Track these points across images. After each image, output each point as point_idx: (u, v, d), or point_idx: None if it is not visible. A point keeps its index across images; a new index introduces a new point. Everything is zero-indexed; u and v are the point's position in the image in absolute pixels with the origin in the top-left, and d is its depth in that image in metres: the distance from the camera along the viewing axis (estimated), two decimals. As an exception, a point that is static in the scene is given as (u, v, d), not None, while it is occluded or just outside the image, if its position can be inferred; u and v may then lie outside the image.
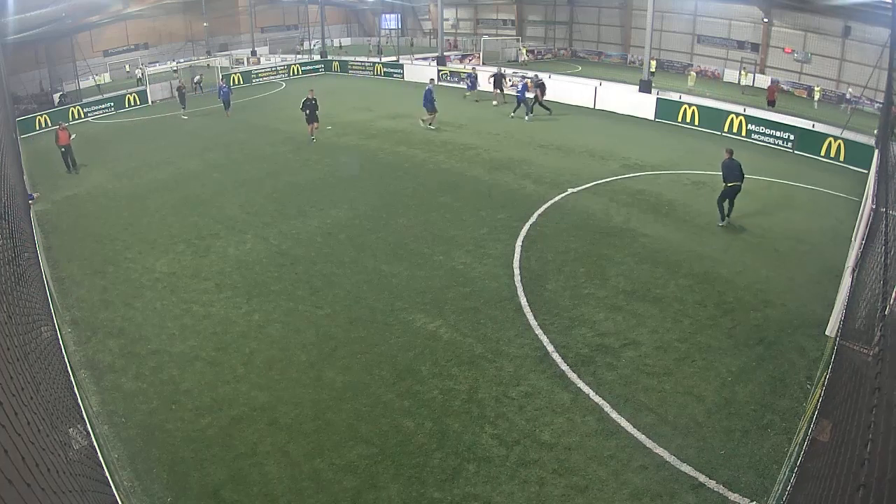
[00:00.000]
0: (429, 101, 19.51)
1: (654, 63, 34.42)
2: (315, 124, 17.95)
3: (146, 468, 5.61)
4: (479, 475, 5.43)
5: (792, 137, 16.85)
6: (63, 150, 16.09)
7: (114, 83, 37.23)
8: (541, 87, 21.61)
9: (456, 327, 7.86)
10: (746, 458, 5.53)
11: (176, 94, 25.74)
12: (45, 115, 24.17)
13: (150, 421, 6.26)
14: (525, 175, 14.27)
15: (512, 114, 20.94)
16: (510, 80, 27.01)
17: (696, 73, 34.54)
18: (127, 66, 39.11)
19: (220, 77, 28.06)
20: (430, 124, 19.55)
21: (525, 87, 21.14)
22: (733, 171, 10.76)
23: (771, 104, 22.58)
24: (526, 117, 20.62)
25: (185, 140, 19.55)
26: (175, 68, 32.21)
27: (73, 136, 16.48)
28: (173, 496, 5.30)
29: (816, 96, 29.36)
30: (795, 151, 16.64)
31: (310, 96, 17.63)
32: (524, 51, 42.97)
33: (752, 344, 7.37)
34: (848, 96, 29.74)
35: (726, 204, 11.09)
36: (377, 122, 20.79)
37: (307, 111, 17.70)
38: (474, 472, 5.46)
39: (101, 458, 4.54)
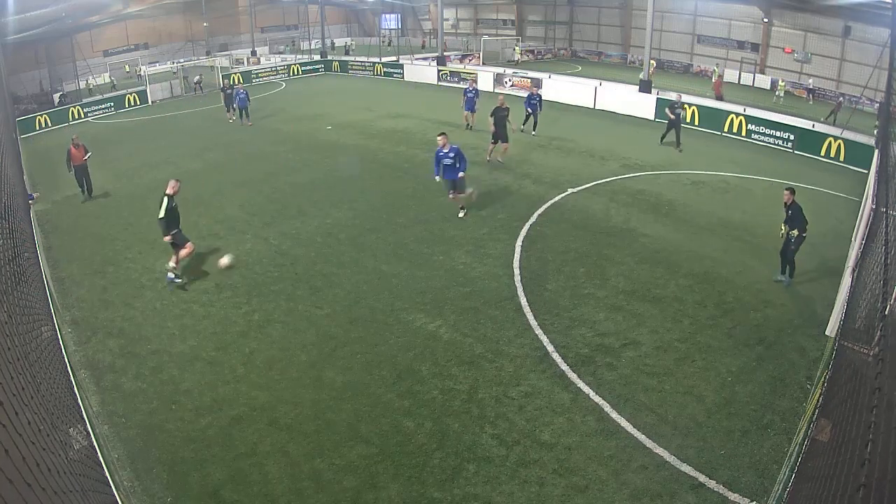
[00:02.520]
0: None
1: (653, 63, 34.48)
2: (189, 246, 9.29)
3: (146, 468, 5.61)
4: (479, 475, 5.43)
5: (792, 137, 16.86)
6: (77, 170, 13.54)
7: (113, 83, 37.20)
8: (677, 108, 16.64)
9: (456, 327, 7.86)
10: (746, 458, 5.53)
11: (221, 95, 23.04)
12: (45, 115, 24.19)
13: (150, 421, 6.26)
14: (525, 175, 14.27)
15: (521, 126, 18.08)
16: (510, 81, 27.03)
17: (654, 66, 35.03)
18: (126, 66, 39.10)
19: (237, 80, 25.49)
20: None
21: (531, 98, 18.45)
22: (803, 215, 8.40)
23: (719, 98, 23.29)
24: (533, 131, 18.24)
25: (185, 140, 19.55)
26: (175, 69, 32.10)
27: (89, 155, 13.68)
28: (173, 496, 5.30)
29: (780, 91, 29.76)
30: (795, 151, 16.64)
31: (170, 192, 9.13)
32: (518, 50, 43.00)
33: (752, 344, 7.37)
34: (810, 86, 30.92)
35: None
36: (377, 122, 20.79)
37: (171, 225, 9.13)
38: (474, 472, 5.46)
39: (101, 458, 4.54)
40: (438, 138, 11.00)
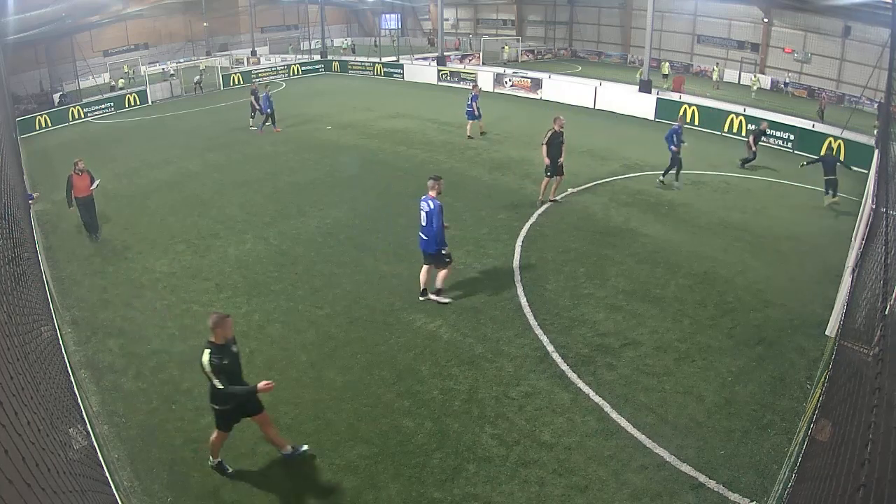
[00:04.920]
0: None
1: (666, 65, 34.58)
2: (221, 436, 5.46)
3: (146, 468, 5.61)
4: (479, 475, 5.43)
5: (792, 137, 16.87)
6: (80, 204, 10.90)
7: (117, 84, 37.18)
8: (757, 134, 15.14)
9: (456, 327, 7.86)
10: (746, 458, 5.53)
11: (251, 97, 20.47)
12: (45, 115, 24.20)
13: (150, 421, 6.26)
14: (525, 175, 14.26)
15: (661, 177, 13.66)
16: (510, 81, 27.03)
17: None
18: (125, 66, 39.04)
19: (264, 84, 22.10)
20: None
21: (676, 135, 13.23)
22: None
23: (677, 91, 23.80)
24: (676, 182, 13.48)
25: (185, 140, 19.55)
26: (173, 71, 32.07)
27: (96, 184, 11.18)
28: (173, 496, 5.30)
29: (754, 87, 30.10)
30: (795, 151, 16.63)
31: (214, 339, 5.29)
32: (507, 49, 42.89)
33: (752, 344, 7.37)
34: (786, 80, 32.72)
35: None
36: (377, 122, 20.79)
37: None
38: (474, 472, 5.46)
39: (101, 458, 4.54)
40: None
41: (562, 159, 11.86)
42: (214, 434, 5.38)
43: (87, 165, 11.10)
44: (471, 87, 19.44)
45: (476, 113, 17.75)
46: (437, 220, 7.88)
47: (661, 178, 13.65)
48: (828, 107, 23.95)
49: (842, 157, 15.55)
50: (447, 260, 8.24)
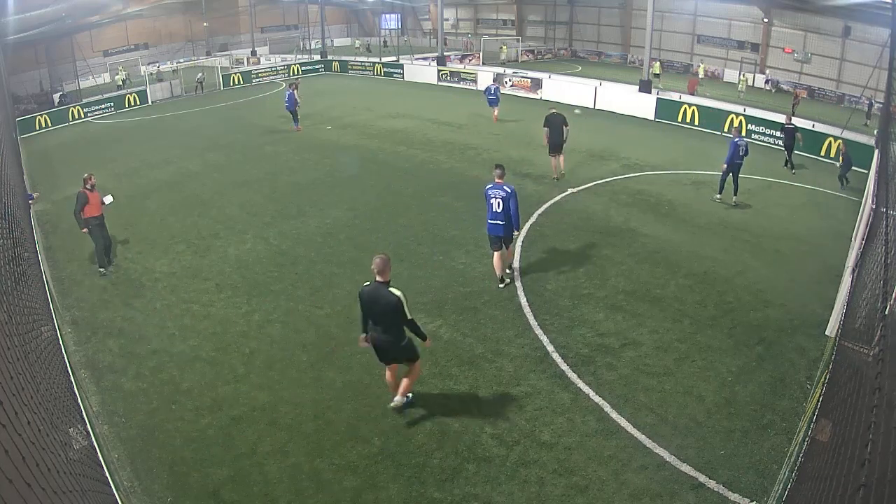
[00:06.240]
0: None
1: (658, 65, 34.70)
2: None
3: (146, 468, 5.61)
4: (479, 475, 5.43)
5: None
6: (92, 226, 9.52)
7: (112, 84, 37.19)
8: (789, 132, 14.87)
9: (456, 327, 7.86)
10: (746, 458, 5.53)
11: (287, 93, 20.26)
12: (45, 115, 24.20)
13: (150, 421, 6.25)
14: (525, 175, 14.26)
15: (717, 195, 12.40)
16: (510, 81, 27.02)
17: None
18: (121, 68, 39.04)
19: (290, 83, 21.11)
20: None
21: (742, 149, 11.80)
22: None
23: (691, 93, 23.97)
24: (733, 199, 12.18)
25: (185, 140, 19.56)
26: (156, 71, 32.05)
27: (109, 200, 10.02)
28: (173, 496, 5.30)
29: (741, 86, 30.42)
30: (795, 151, 16.61)
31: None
32: (504, 49, 42.85)
33: (752, 344, 7.37)
34: (773, 78, 33.63)
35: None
36: (377, 122, 20.79)
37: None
38: (474, 472, 5.46)
39: (101, 458, 4.54)
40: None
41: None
42: (416, 368, 6.16)
43: (87, 166, 10.58)
44: (492, 81, 23.75)
45: (497, 100, 20.59)
46: (515, 202, 8.28)
47: (733, 198, 12.25)
48: (801, 102, 24.33)
49: (841, 158, 15.60)
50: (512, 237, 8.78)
